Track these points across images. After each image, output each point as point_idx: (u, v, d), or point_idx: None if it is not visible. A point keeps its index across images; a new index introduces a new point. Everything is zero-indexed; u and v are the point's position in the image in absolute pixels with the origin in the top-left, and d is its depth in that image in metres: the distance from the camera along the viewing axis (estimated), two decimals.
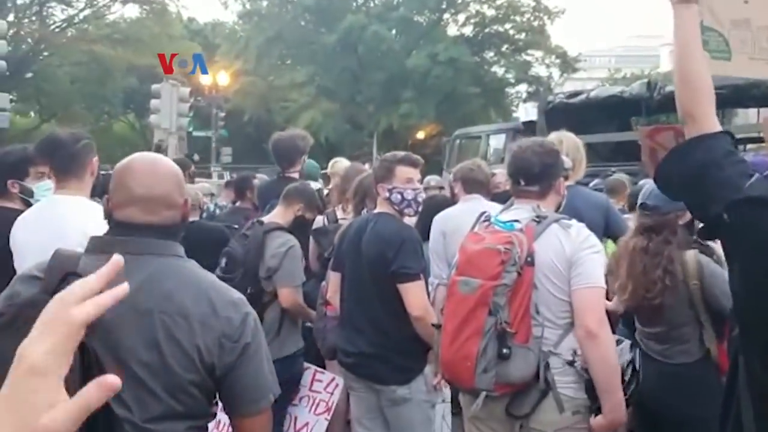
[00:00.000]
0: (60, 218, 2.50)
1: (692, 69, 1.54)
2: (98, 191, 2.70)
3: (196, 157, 30.19)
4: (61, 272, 1.41)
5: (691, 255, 2.66)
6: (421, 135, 34.13)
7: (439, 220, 4.03)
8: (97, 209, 2.55)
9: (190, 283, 1.53)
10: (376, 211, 3.05)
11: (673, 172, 1.55)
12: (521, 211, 2.36)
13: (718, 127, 1.53)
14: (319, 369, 3.64)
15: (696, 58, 1.55)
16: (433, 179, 8.30)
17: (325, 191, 5.72)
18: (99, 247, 1.52)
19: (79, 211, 2.51)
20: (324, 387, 3.59)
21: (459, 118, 31.95)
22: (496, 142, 13.27)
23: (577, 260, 2.22)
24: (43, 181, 3.00)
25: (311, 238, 4.09)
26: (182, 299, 1.48)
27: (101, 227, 2.44)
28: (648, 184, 2.97)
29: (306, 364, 3.63)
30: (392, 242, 2.80)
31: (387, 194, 2.94)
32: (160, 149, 23.75)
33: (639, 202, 2.89)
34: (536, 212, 2.32)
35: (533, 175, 2.39)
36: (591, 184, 6.20)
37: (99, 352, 1.38)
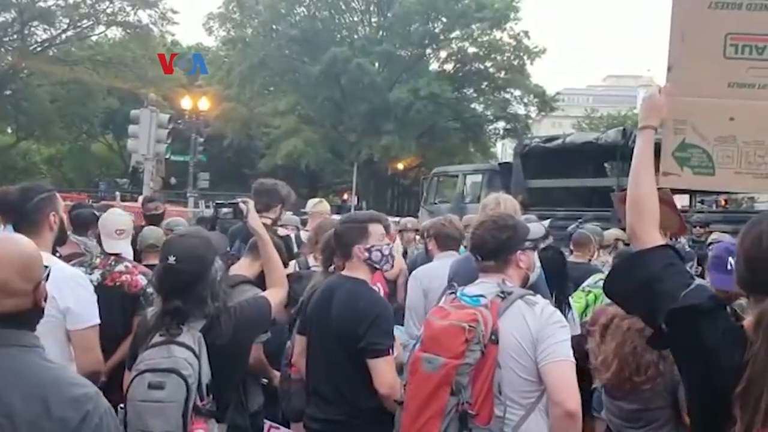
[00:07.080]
0: None
1: (639, 191, 1.66)
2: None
3: (173, 180, 30.01)
4: None
5: None
6: (400, 166, 34.32)
7: (420, 277, 3.88)
8: (55, 265, 2.49)
9: (24, 379, 1.43)
10: (344, 273, 2.97)
11: (618, 289, 1.64)
12: (487, 286, 2.35)
13: (659, 242, 1.60)
14: (274, 425, 3.57)
15: (643, 181, 1.67)
16: (409, 221, 8.31)
17: (303, 233, 5.66)
18: None
19: None
20: None
21: (439, 150, 32.29)
22: (473, 181, 13.40)
23: (541, 337, 2.21)
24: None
25: None
26: (10, 398, 1.39)
27: (61, 285, 2.38)
28: None
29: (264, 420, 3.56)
30: (365, 317, 2.70)
31: (366, 254, 2.83)
32: (137, 172, 23.49)
33: None
34: (501, 287, 2.30)
35: (488, 251, 2.42)
36: (569, 228, 6.21)
37: None
